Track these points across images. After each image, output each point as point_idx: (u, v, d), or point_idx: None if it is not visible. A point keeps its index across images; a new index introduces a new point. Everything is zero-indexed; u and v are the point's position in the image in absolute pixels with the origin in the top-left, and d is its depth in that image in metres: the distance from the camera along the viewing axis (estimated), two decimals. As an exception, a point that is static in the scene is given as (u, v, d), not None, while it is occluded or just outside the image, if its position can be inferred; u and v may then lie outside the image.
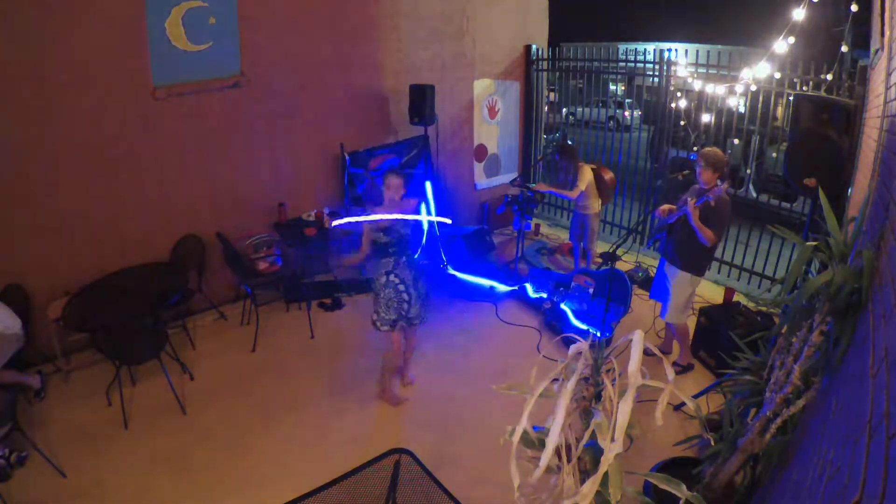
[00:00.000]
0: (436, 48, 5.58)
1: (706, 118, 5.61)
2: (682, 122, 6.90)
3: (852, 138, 3.43)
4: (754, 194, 7.11)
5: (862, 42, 4.36)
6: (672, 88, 5.56)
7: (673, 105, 5.68)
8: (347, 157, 4.84)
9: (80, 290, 3.61)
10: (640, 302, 4.59)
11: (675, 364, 3.73)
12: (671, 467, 2.53)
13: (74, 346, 3.88)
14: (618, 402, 1.49)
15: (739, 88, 4.96)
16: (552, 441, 1.50)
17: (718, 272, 5.25)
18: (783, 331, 2.06)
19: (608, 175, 4.89)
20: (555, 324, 4.32)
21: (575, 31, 13.76)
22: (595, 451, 1.60)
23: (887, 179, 1.89)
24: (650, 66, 5.60)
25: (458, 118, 6.03)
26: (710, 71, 5.14)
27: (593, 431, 1.52)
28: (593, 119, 8.61)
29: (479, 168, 6.51)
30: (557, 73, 7.07)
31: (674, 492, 1.62)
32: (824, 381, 1.71)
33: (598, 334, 3.74)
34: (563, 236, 6.39)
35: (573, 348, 1.77)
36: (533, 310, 4.65)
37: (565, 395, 1.55)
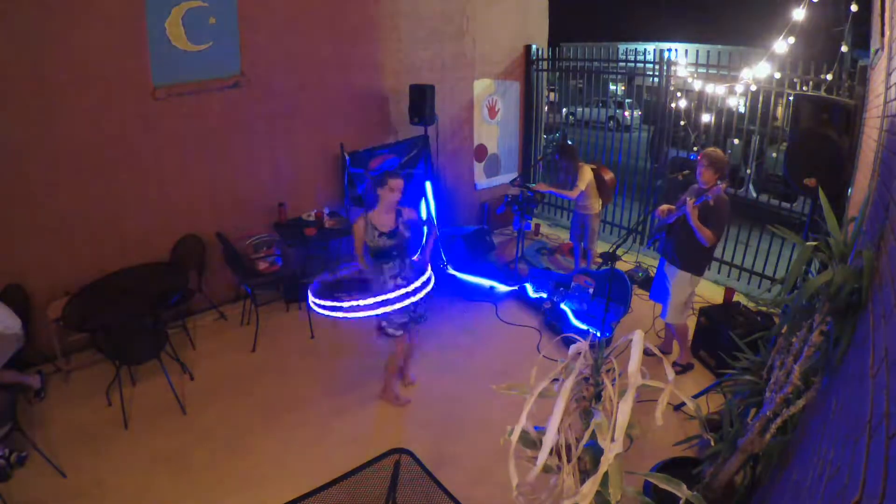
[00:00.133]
0: (436, 48, 5.58)
1: (706, 118, 5.61)
2: (682, 122, 6.90)
3: (852, 138, 3.43)
4: (754, 194, 7.11)
5: (862, 42, 4.36)
6: (672, 88, 5.56)
7: (673, 105, 5.68)
8: (347, 157, 4.84)
9: (80, 290, 3.61)
10: (640, 302, 4.59)
11: (675, 364, 3.73)
12: (671, 467, 2.53)
13: (74, 346, 3.88)
14: (618, 402, 1.49)
15: (739, 88, 4.96)
16: (549, 440, 1.50)
17: (718, 272, 5.25)
18: (783, 331, 2.06)
19: (608, 175, 4.90)
20: (555, 324, 4.32)
21: (575, 31, 13.76)
22: (595, 451, 1.60)
23: (887, 179, 1.89)
24: (650, 66, 5.60)
25: (458, 118, 6.03)
26: (710, 71, 5.14)
27: (593, 431, 1.52)
28: (593, 119, 8.61)
29: (479, 168, 6.51)
30: (557, 73, 7.07)
31: (674, 492, 1.62)
32: (824, 381, 1.71)
33: (598, 334, 3.74)
34: (563, 236, 6.39)
35: (573, 348, 1.77)
36: (533, 310, 4.65)
37: (563, 395, 1.55)
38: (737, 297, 4.41)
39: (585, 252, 5.18)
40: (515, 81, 6.56)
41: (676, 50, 5.45)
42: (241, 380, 3.70)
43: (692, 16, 14.48)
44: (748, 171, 7.50)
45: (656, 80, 5.61)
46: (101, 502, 2.71)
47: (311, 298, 3.09)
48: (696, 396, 3.08)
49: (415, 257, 3.26)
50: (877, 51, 3.29)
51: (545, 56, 6.53)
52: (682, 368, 3.71)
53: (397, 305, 2.95)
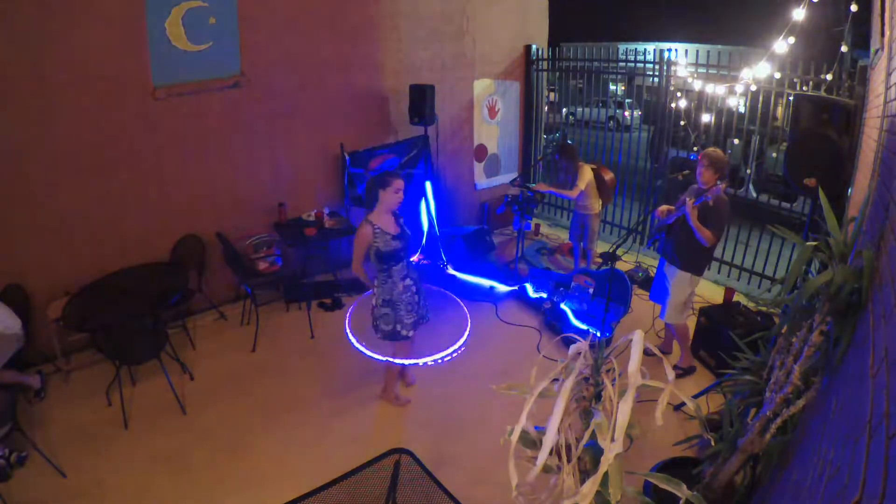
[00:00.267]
0: (436, 48, 5.58)
1: (706, 118, 5.61)
2: (682, 122, 6.90)
3: (852, 138, 3.43)
4: (754, 194, 7.11)
5: (862, 42, 4.36)
6: (672, 88, 5.56)
7: (673, 105, 5.68)
8: (347, 157, 4.84)
9: (80, 290, 3.61)
10: (640, 302, 4.59)
11: (675, 367, 3.72)
12: (671, 467, 2.53)
13: (74, 346, 3.88)
14: (618, 402, 1.49)
15: (739, 88, 4.96)
16: (549, 440, 1.50)
17: (718, 272, 5.25)
18: (783, 331, 2.06)
19: (608, 175, 4.90)
20: (555, 324, 4.32)
21: (575, 31, 13.75)
22: (595, 451, 1.60)
23: (887, 179, 1.89)
24: (650, 66, 5.60)
25: (458, 118, 6.03)
26: (710, 71, 5.14)
27: (593, 431, 1.52)
28: (593, 119, 8.62)
29: (479, 168, 6.51)
30: (557, 73, 7.07)
31: (674, 492, 1.62)
32: (824, 381, 1.71)
33: (598, 334, 3.74)
34: (563, 236, 6.39)
35: (573, 348, 1.77)
36: (533, 310, 4.65)
37: (563, 395, 1.55)
38: (737, 297, 4.41)
39: (585, 252, 5.18)
40: (515, 81, 6.56)
41: (676, 50, 5.45)
42: (241, 380, 3.70)
43: (692, 16, 14.48)
44: (748, 171, 7.50)
45: (656, 80, 5.61)
46: (101, 502, 2.71)
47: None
48: (696, 396, 3.08)
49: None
50: (877, 51, 3.29)
51: (545, 56, 6.53)
52: (683, 372, 3.69)
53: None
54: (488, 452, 2.92)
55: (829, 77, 4.13)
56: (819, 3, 4.70)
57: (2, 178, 3.46)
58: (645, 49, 6.04)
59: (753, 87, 4.82)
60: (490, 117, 6.41)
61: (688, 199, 3.25)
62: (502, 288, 5.04)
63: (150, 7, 3.77)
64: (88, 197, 3.84)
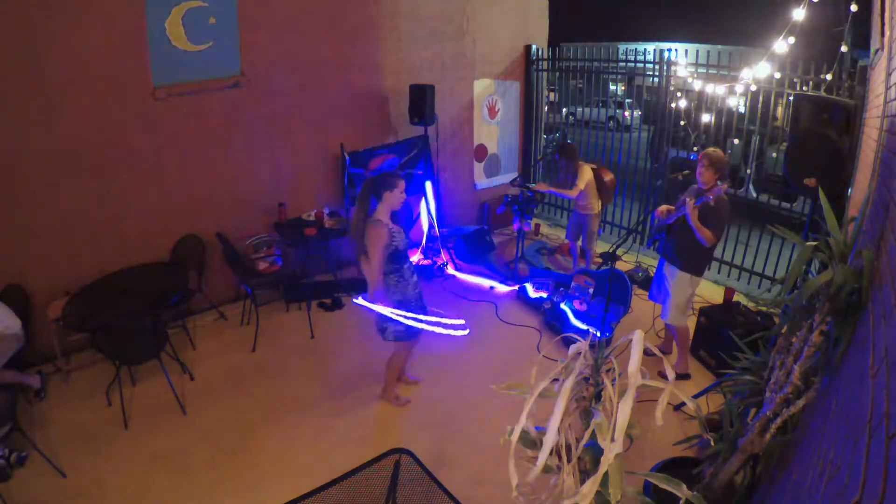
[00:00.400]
0: (436, 48, 5.58)
1: (706, 118, 5.61)
2: (682, 122, 6.90)
3: (852, 138, 3.43)
4: (754, 194, 7.11)
5: (862, 42, 4.36)
6: (672, 88, 5.56)
7: (673, 105, 5.68)
8: (347, 157, 4.84)
9: (80, 290, 3.61)
10: (640, 302, 4.59)
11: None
12: (671, 467, 2.53)
13: (74, 346, 3.88)
14: (618, 402, 1.49)
15: (739, 88, 4.96)
16: (549, 440, 1.50)
17: (718, 272, 5.25)
18: (783, 331, 2.06)
19: (608, 177, 4.89)
20: (555, 324, 4.32)
21: (575, 31, 13.75)
22: (595, 451, 1.60)
23: (887, 179, 1.89)
24: (650, 66, 5.60)
25: (458, 118, 6.03)
26: (710, 71, 5.14)
27: (593, 431, 1.52)
28: (593, 119, 8.63)
29: (479, 168, 6.51)
30: (557, 73, 7.07)
31: (674, 492, 1.62)
32: (824, 381, 1.71)
33: (598, 334, 3.74)
34: (563, 236, 6.39)
35: (573, 348, 1.77)
36: (533, 310, 4.65)
37: (564, 395, 1.55)
38: (737, 297, 4.41)
39: (584, 252, 5.18)
40: (515, 81, 6.56)
41: (676, 50, 5.45)
42: (241, 380, 3.70)
43: (692, 16, 14.49)
44: (748, 171, 7.50)
45: (656, 80, 5.61)
46: (101, 502, 2.71)
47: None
48: (696, 396, 3.08)
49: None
50: (877, 51, 3.29)
51: (545, 56, 6.53)
52: (677, 376, 3.68)
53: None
54: (488, 452, 2.92)
55: (829, 77, 4.13)
56: (819, 3, 4.70)
57: (2, 178, 3.46)
58: (645, 49, 6.04)
59: (753, 87, 4.83)
60: (490, 117, 6.41)
61: (688, 199, 3.24)
62: (502, 288, 5.04)
63: (150, 7, 3.77)
64: (88, 197, 3.84)
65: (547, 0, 6.60)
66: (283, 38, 4.50)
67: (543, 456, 1.50)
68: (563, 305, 4.39)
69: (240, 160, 4.53)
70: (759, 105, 4.93)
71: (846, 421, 1.13)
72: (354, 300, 3.10)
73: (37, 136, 3.54)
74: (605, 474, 1.46)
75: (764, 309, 3.82)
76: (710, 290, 4.86)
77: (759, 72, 4.70)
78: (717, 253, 5.04)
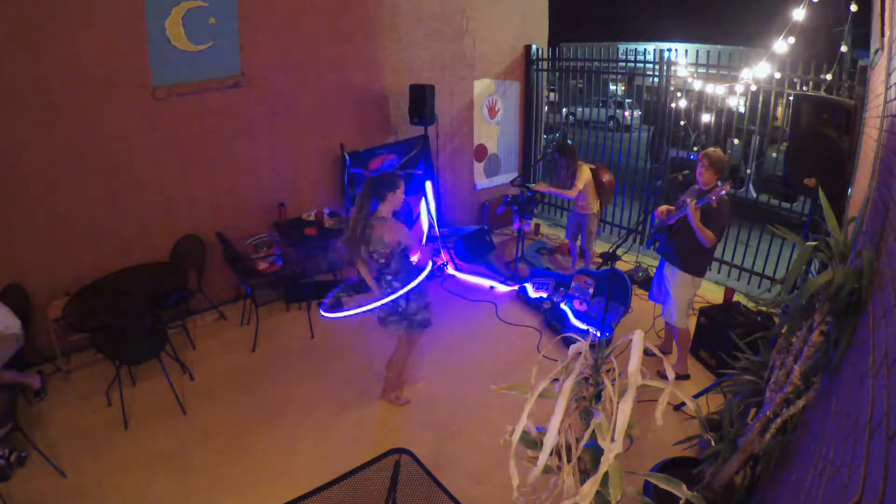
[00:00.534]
0: (436, 48, 5.58)
1: (706, 118, 5.61)
2: (682, 122, 6.90)
3: (852, 138, 3.43)
4: (754, 194, 7.11)
5: (862, 42, 4.36)
6: (672, 88, 5.56)
7: (673, 105, 5.68)
8: (347, 157, 4.84)
9: (80, 290, 3.61)
10: (640, 302, 4.59)
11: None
12: (671, 467, 2.53)
13: (74, 346, 3.88)
14: (618, 402, 1.49)
15: (739, 88, 4.96)
16: (550, 440, 1.50)
17: (718, 272, 5.25)
18: (783, 331, 2.05)
19: (606, 177, 4.89)
20: (555, 324, 4.32)
21: (575, 31, 13.76)
22: (595, 451, 1.61)
23: (887, 179, 1.89)
24: (650, 66, 5.60)
25: (458, 118, 6.03)
26: (710, 71, 5.14)
27: (593, 431, 1.52)
28: (593, 119, 8.62)
29: (479, 168, 6.51)
30: (557, 73, 7.07)
31: (674, 492, 1.62)
32: (824, 381, 1.71)
33: (598, 334, 3.74)
34: (563, 236, 6.39)
35: (573, 348, 1.77)
36: (533, 310, 4.65)
37: (564, 395, 1.55)
38: (737, 297, 4.41)
39: (583, 251, 5.19)
40: (515, 81, 6.56)
41: (676, 50, 5.45)
42: (241, 380, 3.70)
43: (692, 16, 14.49)
44: (748, 171, 7.50)
45: (656, 80, 5.61)
46: (101, 502, 2.71)
47: (322, 312, 3.10)
48: (696, 396, 3.08)
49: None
50: (877, 51, 3.29)
51: (545, 56, 6.53)
52: (676, 376, 3.68)
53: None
54: (488, 452, 2.92)
55: (829, 77, 4.13)
56: (819, 3, 4.70)
57: (2, 178, 3.46)
58: (645, 49, 6.04)
59: (753, 87, 4.83)
60: (490, 117, 6.41)
61: (689, 199, 3.23)
62: (502, 288, 5.04)
63: (150, 7, 3.77)
64: (88, 197, 3.84)
65: (547, 0, 6.60)
66: (283, 38, 4.50)
67: (544, 456, 1.50)
68: (563, 305, 4.39)
69: (240, 160, 4.53)
70: (759, 105, 4.93)
71: (846, 421, 1.13)
72: (324, 314, 3.13)
73: (37, 136, 3.54)
74: (605, 474, 1.46)
75: (764, 309, 3.82)
76: (710, 290, 4.86)
77: (759, 72, 4.70)
78: (717, 253, 5.04)
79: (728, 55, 5.36)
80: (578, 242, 5.17)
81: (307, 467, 2.88)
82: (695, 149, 7.81)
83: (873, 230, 1.78)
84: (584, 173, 4.72)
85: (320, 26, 4.71)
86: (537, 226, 6.65)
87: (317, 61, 4.76)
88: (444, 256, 5.48)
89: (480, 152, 6.46)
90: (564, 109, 11.85)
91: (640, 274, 5.14)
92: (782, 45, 4.68)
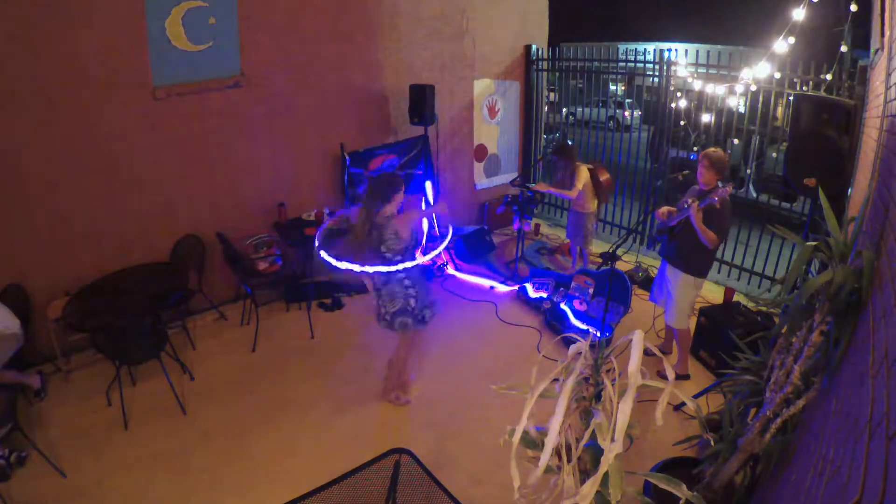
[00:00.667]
0: (436, 48, 5.58)
1: (706, 118, 5.61)
2: (682, 122, 6.90)
3: (852, 138, 3.43)
4: (754, 194, 7.11)
5: (862, 42, 4.36)
6: (672, 88, 5.56)
7: (673, 105, 5.68)
8: (347, 157, 4.84)
9: (80, 290, 3.61)
10: (640, 302, 4.59)
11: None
12: (671, 467, 2.53)
13: (74, 346, 3.88)
14: (618, 403, 1.49)
15: (739, 88, 4.96)
16: (551, 441, 1.50)
17: (718, 272, 5.25)
18: (783, 331, 2.06)
19: (604, 176, 4.89)
20: (555, 324, 4.32)
21: (575, 31, 13.76)
22: (595, 451, 1.61)
23: (887, 179, 1.89)
24: (650, 66, 5.60)
25: (458, 118, 6.03)
26: (710, 71, 5.14)
27: (593, 431, 1.52)
28: (593, 119, 8.62)
29: (479, 168, 6.51)
30: (557, 73, 7.07)
31: (674, 492, 1.62)
32: (824, 381, 1.71)
33: (598, 334, 3.73)
34: (563, 236, 6.39)
35: (573, 348, 1.77)
36: (533, 310, 4.65)
37: (565, 395, 1.55)
38: (737, 297, 4.41)
39: (582, 251, 5.18)
40: (515, 81, 6.56)
41: (676, 50, 5.45)
42: (241, 380, 3.70)
43: (692, 16, 14.49)
44: (748, 171, 7.50)
45: (656, 80, 5.61)
46: (101, 502, 2.71)
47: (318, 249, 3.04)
48: (696, 396, 3.08)
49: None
50: (877, 51, 3.29)
51: (545, 56, 6.53)
52: (676, 376, 3.67)
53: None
54: (488, 452, 2.92)
55: (829, 77, 4.13)
56: (819, 3, 4.70)
57: (2, 178, 3.46)
58: (645, 49, 6.04)
59: (753, 87, 4.83)
60: (490, 117, 6.41)
61: (690, 200, 3.21)
62: (502, 288, 5.04)
63: (150, 7, 3.77)
64: (88, 197, 3.84)
65: (547, 0, 6.59)
66: (283, 38, 4.50)
67: (545, 457, 1.50)
68: (563, 305, 4.39)
69: (240, 160, 4.53)
70: (759, 105, 4.93)
71: (846, 421, 1.13)
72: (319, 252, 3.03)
73: (37, 136, 3.54)
74: (605, 474, 1.46)
75: (764, 309, 3.82)
76: (710, 290, 4.86)
77: (759, 72, 4.70)
78: (718, 253, 5.01)
79: (728, 55, 5.36)
80: (578, 243, 5.17)
81: (307, 467, 2.88)
82: (695, 149, 7.81)
83: (873, 230, 1.78)
84: (583, 174, 4.72)
85: (320, 26, 4.71)
86: (537, 226, 6.65)
87: (317, 61, 4.76)
88: (444, 256, 5.48)
89: (480, 152, 6.46)
90: (564, 109, 11.85)
91: (640, 274, 5.13)
92: (782, 45, 4.68)
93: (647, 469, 2.43)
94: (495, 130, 6.55)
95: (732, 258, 5.18)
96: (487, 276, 5.27)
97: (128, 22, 3.72)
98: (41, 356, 3.74)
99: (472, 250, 5.61)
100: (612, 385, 1.58)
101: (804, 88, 4.31)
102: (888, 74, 2.53)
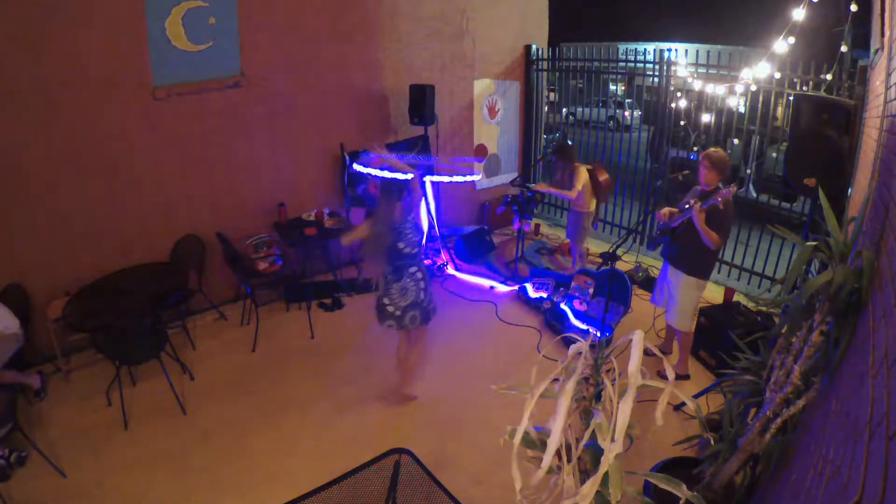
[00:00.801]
0: (436, 48, 5.58)
1: (706, 118, 5.61)
2: (682, 122, 6.89)
3: (852, 138, 3.43)
4: (754, 194, 7.11)
5: (862, 42, 4.36)
6: (672, 88, 5.55)
7: (673, 105, 5.68)
8: (347, 157, 4.84)
9: (80, 290, 3.61)
10: (640, 302, 4.59)
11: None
12: (671, 467, 2.53)
13: (74, 346, 3.88)
14: (618, 403, 1.49)
15: (739, 88, 4.96)
16: (553, 443, 1.50)
17: (718, 272, 5.24)
18: (783, 331, 2.06)
19: (603, 176, 4.89)
20: (555, 324, 4.32)
21: (575, 31, 13.77)
22: (595, 451, 1.61)
23: (887, 179, 1.89)
24: (650, 66, 5.60)
25: (458, 118, 6.03)
26: (710, 71, 5.14)
27: (593, 431, 1.52)
28: (593, 119, 8.62)
29: (479, 168, 6.51)
30: (557, 73, 7.07)
31: (674, 492, 1.62)
32: (824, 381, 1.71)
33: (599, 334, 3.73)
34: (563, 236, 6.39)
35: (573, 348, 1.77)
36: (533, 310, 4.65)
37: (566, 396, 1.55)
38: (737, 297, 4.41)
39: (572, 248, 5.19)
40: (515, 81, 6.56)
41: (676, 50, 5.45)
42: (241, 380, 3.70)
43: (692, 16, 14.50)
44: (748, 171, 7.50)
45: (656, 80, 5.61)
46: (101, 502, 2.71)
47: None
48: (696, 396, 3.08)
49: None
50: (877, 51, 3.29)
51: (545, 56, 6.53)
52: (676, 376, 3.66)
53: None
54: (488, 452, 2.92)
55: (829, 77, 4.13)
56: (819, 3, 4.70)
57: (2, 178, 3.46)
58: (645, 49, 6.04)
59: (753, 87, 4.82)
60: (490, 117, 6.41)
61: (692, 201, 3.20)
62: (502, 288, 5.04)
63: (150, 7, 3.77)
64: (88, 197, 3.84)
65: (547, 0, 6.59)
66: (283, 38, 4.50)
67: (548, 459, 1.50)
68: (563, 305, 4.39)
69: (240, 160, 4.53)
70: (759, 105, 4.93)
71: (846, 421, 1.13)
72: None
73: (37, 136, 3.54)
74: (605, 474, 1.46)
75: (764, 309, 3.82)
76: (710, 290, 4.84)
77: (759, 72, 4.70)
78: (717, 253, 5.03)
79: (728, 55, 5.36)
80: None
81: (307, 467, 2.88)
82: (695, 149, 7.81)
83: (873, 230, 1.77)
84: (582, 174, 4.72)
85: (320, 26, 4.71)
86: (537, 226, 6.65)
87: (317, 61, 4.76)
88: (444, 256, 5.48)
89: (480, 152, 6.46)
90: (564, 109, 11.86)
91: (640, 274, 5.13)
92: (782, 45, 4.68)
93: (647, 469, 2.43)
94: (495, 130, 6.55)
95: (732, 258, 5.18)
96: (487, 276, 5.27)
97: (128, 22, 3.72)
98: (41, 356, 3.74)
99: (472, 250, 5.61)
100: (612, 385, 1.58)
101: (804, 88, 4.30)
102: (888, 74, 2.53)
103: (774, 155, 7.25)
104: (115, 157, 3.89)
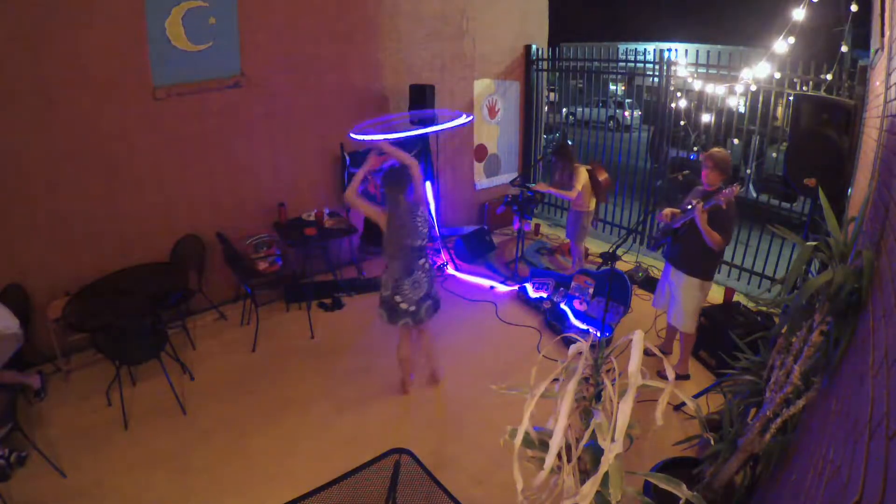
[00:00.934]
0: (436, 48, 5.58)
1: (706, 118, 5.61)
2: (682, 122, 6.90)
3: (852, 138, 3.43)
4: (754, 194, 7.11)
5: (862, 42, 4.35)
6: (672, 88, 5.56)
7: (673, 105, 5.68)
8: (347, 157, 4.84)
9: (80, 290, 3.61)
10: (640, 302, 4.59)
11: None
12: (671, 467, 2.53)
13: (74, 346, 3.88)
14: (618, 403, 1.49)
15: (739, 88, 4.96)
16: (555, 444, 1.50)
17: (718, 272, 5.24)
18: (783, 331, 2.06)
19: (602, 176, 4.89)
20: (555, 324, 4.32)
21: (575, 31, 13.77)
22: (595, 451, 1.61)
23: (887, 179, 1.89)
24: (650, 66, 5.60)
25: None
26: (710, 71, 5.14)
27: (593, 431, 1.52)
28: (593, 119, 8.63)
29: (479, 168, 6.51)
30: (557, 73, 7.07)
31: (674, 492, 1.62)
32: (824, 381, 1.71)
33: (599, 334, 3.73)
34: (563, 236, 6.39)
35: (573, 348, 1.77)
36: (533, 310, 4.65)
37: (567, 397, 1.55)
38: (737, 297, 4.41)
39: (571, 248, 5.19)
40: (515, 81, 6.56)
41: (676, 50, 5.45)
42: (241, 380, 3.70)
43: (692, 16, 14.50)
44: (748, 171, 7.51)
45: (656, 80, 5.61)
46: (101, 502, 2.71)
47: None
48: (696, 396, 3.08)
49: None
50: (877, 51, 3.29)
51: (545, 56, 6.53)
52: (676, 376, 3.65)
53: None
54: (488, 452, 2.92)
55: (829, 77, 4.13)
56: (819, 3, 4.70)
57: (2, 178, 3.46)
58: (645, 49, 6.04)
59: (753, 87, 4.83)
60: (490, 117, 6.41)
61: (694, 201, 3.17)
62: (502, 288, 5.04)
63: (150, 7, 3.77)
64: (88, 197, 3.84)
65: (547, 0, 6.59)
66: (283, 38, 4.50)
67: (550, 460, 1.49)
68: (563, 305, 4.39)
69: (240, 160, 4.53)
70: (759, 105, 4.93)
71: (846, 421, 1.13)
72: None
73: (37, 136, 3.54)
74: (605, 474, 1.46)
75: (764, 309, 3.81)
76: (710, 291, 4.85)
77: (759, 72, 4.70)
78: (717, 253, 5.03)
79: (728, 55, 5.36)
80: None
81: (307, 467, 2.88)
82: (695, 149, 7.82)
83: (873, 230, 1.77)
84: (582, 174, 4.72)
85: (320, 26, 4.71)
86: (537, 226, 6.65)
87: (317, 61, 4.76)
88: (444, 256, 5.48)
89: (480, 152, 6.46)
90: (564, 109, 11.87)
91: (640, 274, 5.13)
92: (782, 45, 4.68)
93: (647, 469, 2.43)
94: (495, 130, 6.55)
95: (732, 258, 5.18)
96: (487, 276, 5.27)
97: (128, 22, 3.72)
98: (41, 356, 3.74)
99: (472, 250, 5.61)
100: (612, 385, 1.58)
101: (804, 88, 4.31)
102: (888, 74, 2.53)
103: (774, 155, 7.26)
104: (115, 157, 3.89)
